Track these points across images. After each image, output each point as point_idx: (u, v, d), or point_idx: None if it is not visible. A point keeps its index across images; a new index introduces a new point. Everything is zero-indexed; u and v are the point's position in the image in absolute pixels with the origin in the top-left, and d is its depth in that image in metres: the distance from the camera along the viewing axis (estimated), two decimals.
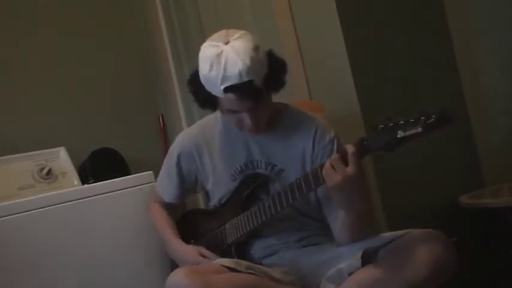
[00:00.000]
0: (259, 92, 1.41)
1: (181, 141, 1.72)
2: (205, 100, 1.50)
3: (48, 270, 1.87)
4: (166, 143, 2.58)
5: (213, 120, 1.68)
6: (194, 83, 1.50)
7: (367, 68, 2.05)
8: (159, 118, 2.75)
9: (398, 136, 1.16)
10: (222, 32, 1.46)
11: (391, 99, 2.10)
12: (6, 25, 2.45)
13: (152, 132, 2.73)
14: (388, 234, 1.38)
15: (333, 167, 1.28)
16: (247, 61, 1.37)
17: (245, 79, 1.37)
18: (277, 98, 2.14)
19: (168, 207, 1.79)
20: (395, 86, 2.14)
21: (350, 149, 1.27)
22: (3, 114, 2.39)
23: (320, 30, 2.08)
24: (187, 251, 1.63)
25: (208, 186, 1.68)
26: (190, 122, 2.42)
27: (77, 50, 2.60)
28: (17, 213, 1.86)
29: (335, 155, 1.30)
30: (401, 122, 1.15)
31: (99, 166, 2.34)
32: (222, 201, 1.64)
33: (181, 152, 1.70)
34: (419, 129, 1.12)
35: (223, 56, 1.38)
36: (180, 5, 2.67)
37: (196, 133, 1.70)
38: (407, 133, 1.14)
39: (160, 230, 1.76)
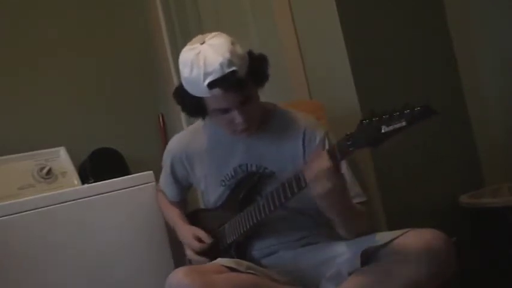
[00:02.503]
0: (244, 83, 1.41)
1: (172, 148, 1.74)
2: (193, 106, 1.49)
3: (48, 270, 1.87)
4: (166, 142, 2.58)
5: (202, 126, 1.68)
6: (179, 93, 1.50)
7: (367, 68, 2.04)
8: (159, 118, 2.75)
9: (382, 131, 1.12)
10: (198, 36, 1.47)
11: (391, 99, 2.10)
12: (6, 25, 2.45)
13: (152, 132, 2.73)
14: (387, 234, 1.37)
15: (318, 177, 1.26)
16: (226, 54, 1.37)
17: (227, 70, 1.37)
18: (277, 97, 2.14)
19: (173, 202, 1.83)
20: (396, 86, 2.14)
21: (325, 162, 1.24)
22: (4, 114, 2.39)
23: (320, 30, 2.08)
24: (185, 232, 1.69)
25: (201, 189, 1.71)
26: (190, 121, 2.42)
27: (77, 50, 2.59)
28: (17, 213, 1.86)
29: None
30: (386, 116, 1.12)
31: (99, 166, 2.34)
32: (218, 204, 1.64)
33: (173, 160, 1.73)
34: (404, 123, 1.09)
35: (202, 55, 1.39)
36: (180, 5, 2.67)
37: (187, 140, 1.71)
38: (391, 128, 1.11)
39: (167, 215, 1.83)
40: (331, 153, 1.25)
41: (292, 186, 1.35)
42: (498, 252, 2.02)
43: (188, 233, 1.67)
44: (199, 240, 1.63)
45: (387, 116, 1.11)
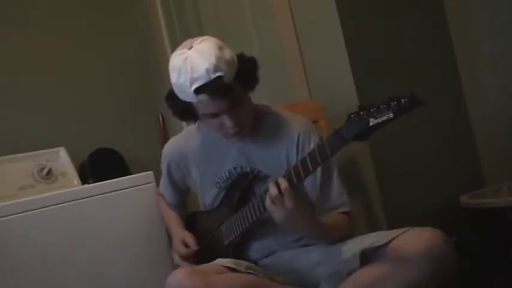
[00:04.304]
0: (230, 88, 1.40)
1: (168, 152, 1.74)
2: (183, 111, 1.51)
3: (48, 270, 1.87)
4: (166, 142, 2.59)
5: (197, 128, 1.68)
6: (170, 97, 1.51)
7: (367, 68, 2.04)
8: (159, 118, 2.75)
9: (370, 124, 1.13)
10: (187, 40, 1.47)
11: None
12: (6, 26, 2.45)
13: (152, 132, 2.73)
14: (386, 233, 1.37)
15: (274, 203, 1.30)
16: (213, 59, 1.37)
17: (213, 76, 1.36)
18: (277, 97, 2.14)
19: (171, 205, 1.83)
20: (396, 86, 2.13)
21: (282, 184, 1.28)
22: (4, 114, 2.39)
23: (320, 30, 2.08)
24: (175, 236, 1.69)
25: (198, 191, 1.71)
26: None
27: (77, 50, 2.60)
28: (17, 213, 1.86)
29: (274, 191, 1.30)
30: (373, 109, 1.13)
31: (99, 166, 2.34)
32: (214, 205, 1.65)
33: (170, 163, 1.73)
34: (391, 115, 1.10)
35: (189, 61, 1.39)
36: (180, 5, 2.67)
37: (182, 142, 1.71)
38: (379, 120, 1.12)
39: (165, 218, 1.83)
40: (288, 177, 1.29)
41: (291, 179, 1.35)
42: (498, 252, 2.02)
43: (177, 238, 1.67)
44: (186, 245, 1.62)
45: (374, 108, 1.13)
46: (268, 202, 1.31)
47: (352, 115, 1.17)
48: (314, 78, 2.13)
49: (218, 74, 1.37)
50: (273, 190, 1.29)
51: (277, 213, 1.31)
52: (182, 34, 2.62)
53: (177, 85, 1.43)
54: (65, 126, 2.51)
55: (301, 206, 1.30)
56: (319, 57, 2.11)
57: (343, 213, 1.53)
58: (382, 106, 1.11)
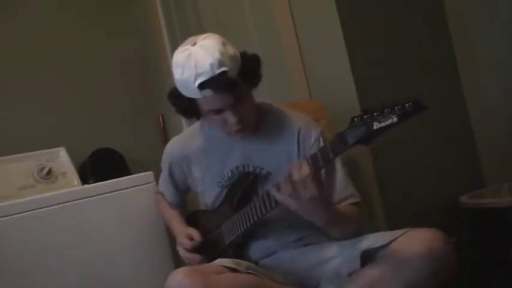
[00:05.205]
0: (235, 83, 1.40)
1: (169, 152, 1.74)
2: (186, 108, 1.50)
3: (48, 270, 1.87)
4: (166, 142, 2.58)
5: (199, 127, 1.68)
6: (173, 94, 1.51)
7: (367, 68, 2.04)
8: (159, 118, 2.75)
9: (374, 128, 1.13)
10: (191, 38, 1.47)
11: (392, 99, 2.10)
12: (6, 25, 2.45)
13: (152, 132, 2.73)
14: (387, 234, 1.37)
15: (296, 189, 1.27)
16: (217, 55, 1.38)
17: (217, 71, 1.37)
18: (277, 97, 2.14)
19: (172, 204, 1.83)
20: (396, 86, 2.14)
21: (304, 171, 1.25)
22: (4, 114, 2.39)
23: (320, 30, 2.08)
24: (178, 232, 1.69)
25: (199, 191, 1.70)
26: (190, 121, 2.42)
27: (77, 50, 2.60)
28: (17, 213, 1.86)
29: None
30: (377, 113, 1.13)
31: (99, 166, 2.34)
32: (216, 205, 1.65)
33: (171, 163, 1.73)
34: (395, 119, 1.10)
35: (193, 56, 1.39)
36: (180, 5, 2.67)
37: (184, 142, 1.71)
38: (383, 124, 1.11)
39: (165, 217, 1.83)
40: (312, 161, 1.27)
41: None
42: (498, 252, 2.02)
43: (181, 233, 1.68)
44: (191, 238, 1.63)
45: (378, 112, 1.12)
46: (287, 189, 1.27)
47: (355, 118, 1.17)
48: (314, 78, 2.13)
49: (223, 69, 1.37)
50: (296, 174, 1.26)
51: (296, 200, 1.28)
52: (182, 34, 2.62)
53: (181, 81, 1.43)
54: (65, 126, 2.51)
55: (321, 193, 1.28)
56: (319, 57, 2.11)
57: (352, 204, 1.52)
58: (386, 110, 1.11)
